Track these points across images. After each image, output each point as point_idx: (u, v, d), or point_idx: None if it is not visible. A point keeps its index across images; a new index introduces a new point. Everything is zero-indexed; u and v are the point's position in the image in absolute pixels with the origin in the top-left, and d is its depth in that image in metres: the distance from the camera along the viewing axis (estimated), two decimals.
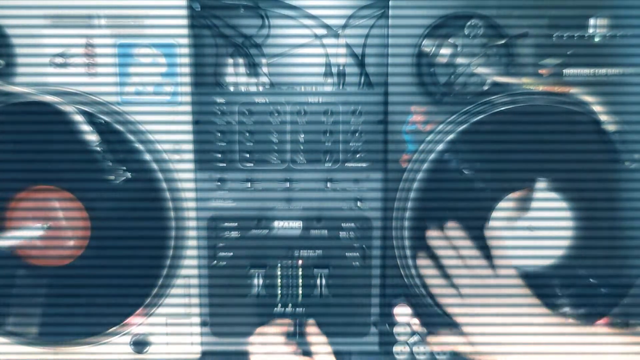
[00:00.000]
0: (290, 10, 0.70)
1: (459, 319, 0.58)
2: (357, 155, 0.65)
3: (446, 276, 0.60)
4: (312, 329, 0.64)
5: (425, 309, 0.65)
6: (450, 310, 0.59)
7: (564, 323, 0.55)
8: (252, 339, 0.62)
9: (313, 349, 0.62)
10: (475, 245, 0.60)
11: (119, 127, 0.62)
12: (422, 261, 0.62)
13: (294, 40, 0.71)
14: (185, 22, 0.62)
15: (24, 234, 0.62)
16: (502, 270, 0.59)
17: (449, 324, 0.60)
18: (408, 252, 0.64)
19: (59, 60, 0.62)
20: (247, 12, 0.70)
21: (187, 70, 0.63)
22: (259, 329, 0.63)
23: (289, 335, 0.64)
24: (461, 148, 0.62)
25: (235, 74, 0.69)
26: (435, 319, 0.64)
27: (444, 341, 0.62)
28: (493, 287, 0.58)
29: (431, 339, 0.64)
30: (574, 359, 0.53)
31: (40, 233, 0.62)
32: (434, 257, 0.61)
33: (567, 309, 0.63)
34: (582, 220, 0.63)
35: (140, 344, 0.66)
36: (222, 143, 0.65)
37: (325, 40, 0.70)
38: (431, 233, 0.62)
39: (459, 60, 0.61)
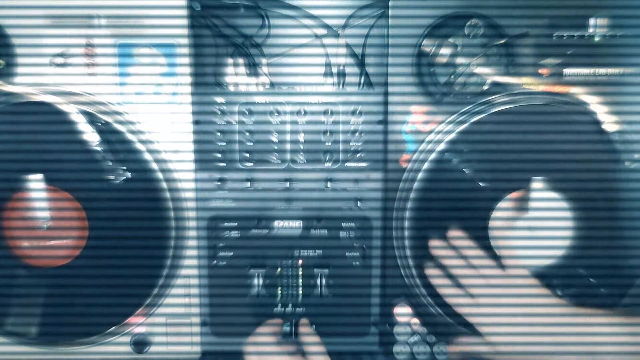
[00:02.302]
0: (290, 10, 0.70)
1: (474, 321, 0.58)
2: (357, 155, 0.65)
3: (456, 282, 0.60)
4: (305, 329, 0.64)
5: (425, 309, 0.65)
6: (464, 313, 0.59)
7: (579, 312, 0.55)
8: (248, 340, 0.62)
9: (307, 349, 0.61)
10: (480, 246, 0.60)
11: (119, 127, 0.62)
12: (430, 271, 0.62)
13: (294, 40, 0.71)
14: (185, 22, 0.62)
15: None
16: (511, 268, 0.58)
17: (453, 328, 0.60)
18: (408, 252, 0.64)
19: (59, 60, 0.62)
20: (247, 12, 0.70)
21: (187, 70, 0.63)
22: (255, 332, 0.63)
23: (285, 335, 0.64)
24: (461, 148, 0.62)
25: (235, 74, 0.69)
26: (436, 319, 0.64)
27: (465, 345, 0.61)
28: (504, 286, 0.57)
29: (451, 347, 0.63)
30: (592, 347, 0.53)
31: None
32: (441, 266, 0.61)
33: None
34: (582, 220, 0.63)
35: (140, 344, 0.66)
36: (222, 143, 0.65)
37: (325, 40, 0.70)
38: (434, 243, 0.61)
39: (459, 60, 0.61)
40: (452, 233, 0.61)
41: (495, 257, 0.59)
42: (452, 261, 0.60)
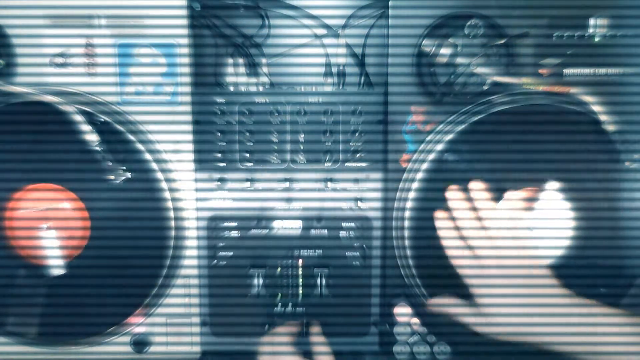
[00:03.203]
0: (290, 10, 0.70)
1: (472, 283, 0.56)
2: (357, 155, 0.65)
3: (462, 237, 0.57)
4: (315, 329, 0.64)
5: (425, 309, 0.65)
6: (464, 272, 0.56)
7: (581, 303, 0.53)
8: (263, 340, 0.62)
9: (315, 349, 0.61)
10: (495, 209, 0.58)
11: (119, 127, 0.62)
12: (440, 220, 0.59)
13: (294, 40, 0.71)
14: (185, 22, 0.62)
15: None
16: (517, 241, 0.56)
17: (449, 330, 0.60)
18: (408, 252, 0.64)
19: (59, 60, 0.62)
20: (247, 12, 0.70)
21: (187, 70, 0.63)
22: (270, 332, 0.63)
23: (298, 335, 0.64)
24: (461, 148, 0.62)
25: (235, 74, 0.69)
26: (435, 319, 0.64)
27: (447, 303, 0.58)
28: (507, 254, 0.55)
29: (433, 300, 0.60)
30: (586, 336, 0.52)
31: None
32: (453, 218, 0.59)
33: None
34: (582, 220, 0.63)
35: (140, 344, 0.66)
36: (222, 143, 0.65)
37: (325, 40, 0.70)
38: (452, 189, 0.59)
39: (459, 60, 0.61)
40: (474, 185, 0.58)
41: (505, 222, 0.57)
42: (464, 213, 0.58)
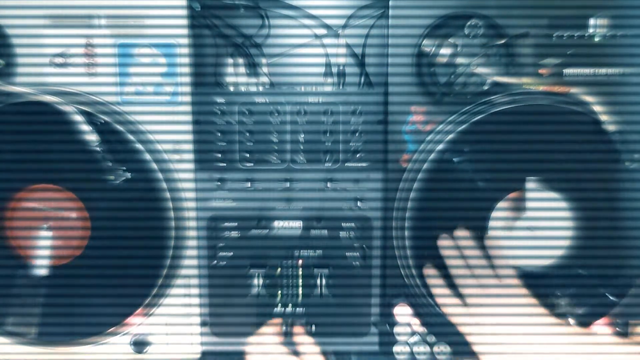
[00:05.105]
0: (290, 10, 0.70)
1: (464, 330, 0.58)
2: (357, 155, 0.65)
3: (452, 286, 0.60)
4: (299, 329, 0.64)
5: (425, 309, 0.65)
6: (455, 321, 0.59)
7: (567, 330, 0.55)
8: (250, 340, 0.62)
9: (301, 349, 0.61)
10: (482, 252, 0.60)
11: (119, 127, 0.62)
12: (429, 271, 0.62)
13: (294, 40, 0.71)
14: (185, 22, 0.62)
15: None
16: (505, 280, 0.58)
17: (449, 330, 0.60)
18: (408, 252, 0.64)
19: (59, 60, 0.62)
20: (247, 12, 0.70)
21: (187, 70, 0.63)
22: (257, 332, 0.63)
23: (286, 334, 0.64)
24: (461, 148, 0.62)
25: (235, 74, 0.69)
26: (435, 319, 0.64)
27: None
28: (498, 297, 0.57)
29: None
30: None
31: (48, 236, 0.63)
32: (440, 267, 0.61)
33: (566, 309, 0.63)
34: (582, 220, 0.63)
35: (140, 344, 0.66)
36: (222, 143, 0.65)
37: (325, 40, 0.70)
38: (442, 242, 0.62)
39: (459, 60, 0.61)
40: (459, 233, 0.61)
41: (494, 267, 0.59)
42: (454, 261, 0.60)
